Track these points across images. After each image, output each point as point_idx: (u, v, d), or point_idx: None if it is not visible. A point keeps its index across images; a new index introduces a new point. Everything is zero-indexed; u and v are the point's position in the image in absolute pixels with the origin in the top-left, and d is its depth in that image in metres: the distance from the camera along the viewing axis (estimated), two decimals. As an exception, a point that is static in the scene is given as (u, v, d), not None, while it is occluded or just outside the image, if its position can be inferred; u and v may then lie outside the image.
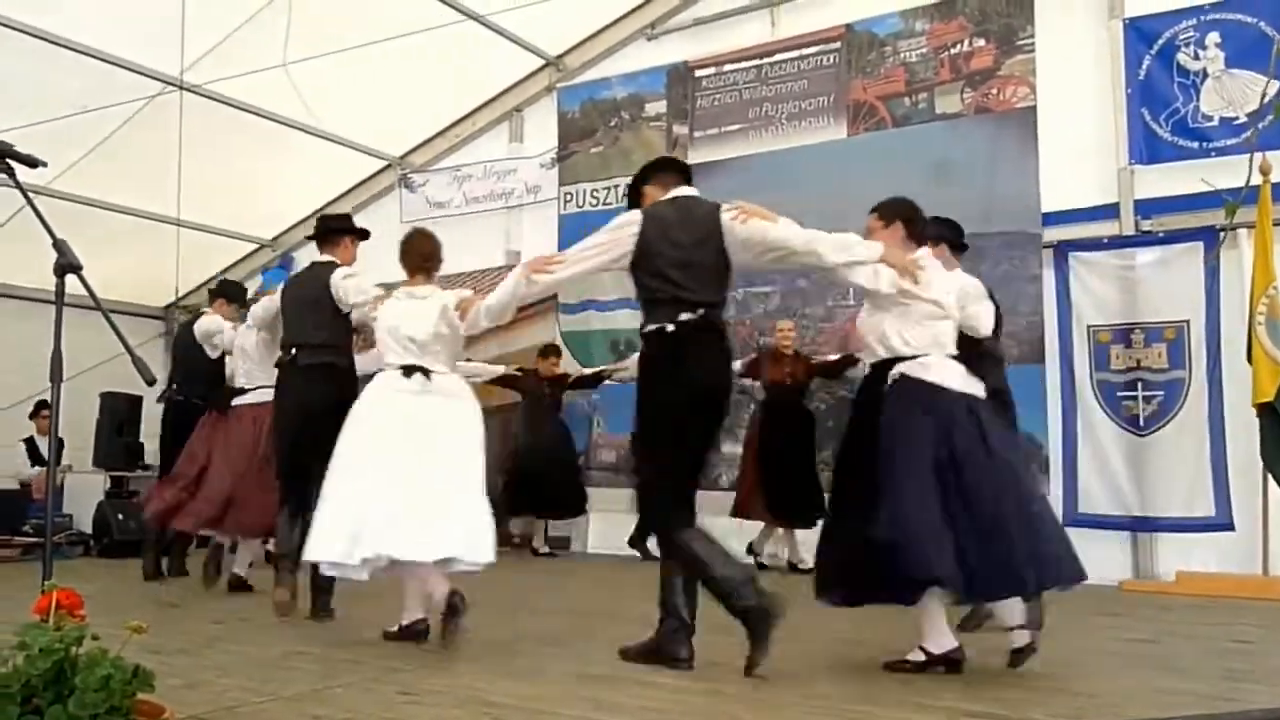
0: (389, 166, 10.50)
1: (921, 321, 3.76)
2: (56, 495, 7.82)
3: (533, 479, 8.22)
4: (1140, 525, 6.75)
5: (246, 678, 3.49)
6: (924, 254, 3.87)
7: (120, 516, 8.23)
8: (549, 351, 8.74)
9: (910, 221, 3.96)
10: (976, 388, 3.75)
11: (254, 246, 11.15)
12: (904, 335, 3.74)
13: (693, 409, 3.78)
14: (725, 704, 3.19)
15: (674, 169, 4.25)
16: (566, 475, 8.53)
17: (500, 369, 8.49)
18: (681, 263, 3.82)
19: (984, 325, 4.17)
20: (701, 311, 3.76)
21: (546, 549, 8.71)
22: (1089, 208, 7.11)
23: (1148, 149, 6.96)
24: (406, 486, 4.01)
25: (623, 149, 9.08)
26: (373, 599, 4.91)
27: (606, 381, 8.45)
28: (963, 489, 3.52)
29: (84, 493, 8.68)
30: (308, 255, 11.05)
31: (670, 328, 3.75)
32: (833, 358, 7.38)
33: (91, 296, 2.68)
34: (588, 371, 8.66)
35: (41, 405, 9.21)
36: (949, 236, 4.53)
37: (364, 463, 4.11)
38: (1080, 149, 7.14)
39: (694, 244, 3.84)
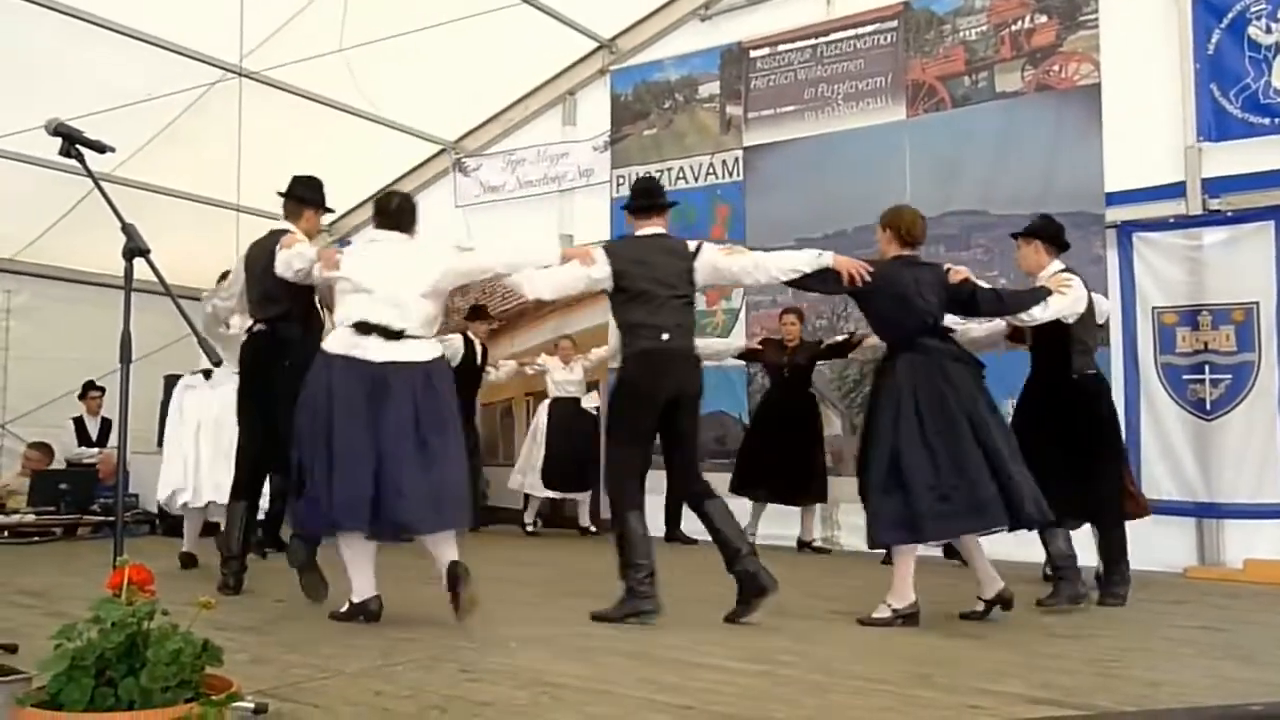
0: (443, 151, 10.55)
1: (343, 298, 4.38)
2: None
3: (764, 462, 7.35)
4: (1206, 511, 6.59)
5: (310, 654, 3.55)
6: (367, 236, 4.79)
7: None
8: (787, 311, 7.68)
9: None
10: (385, 351, 4.20)
11: (312, 231, 11.28)
12: (337, 313, 4.40)
13: (241, 395, 5.18)
14: (780, 687, 3.18)
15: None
16: (805, 458, 7.37)
17: (740, 343, 7.91)
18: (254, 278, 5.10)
19: (527, 290, 4.67)
20: (268, 317, 4.98)
21: (818, 542, 7.66)
22: (1154, 187, 6.92)
23: (1216, 126, 6.76)
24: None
25: (676, 131, 9.04)
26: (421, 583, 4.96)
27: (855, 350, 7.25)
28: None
29: (149, 474, 8.86)
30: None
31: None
32: (839, 339, 7.41)
33: (160, 280, 2.73)
34: (839, 338, 7.42)
35: (89, 386, 9.43)
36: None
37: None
38: (1146, 127, 6.95)
39: (265, 259, 4.91)
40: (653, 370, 4.47)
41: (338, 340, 4.28)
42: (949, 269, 4.65)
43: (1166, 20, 6.96)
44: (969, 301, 4.62)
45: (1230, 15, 6.76)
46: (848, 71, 8.17)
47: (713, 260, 4.62)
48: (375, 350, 4.20)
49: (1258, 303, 6.55)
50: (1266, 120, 6.64)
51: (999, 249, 7.02)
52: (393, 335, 4.23)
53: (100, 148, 2.99)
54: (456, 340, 8.36)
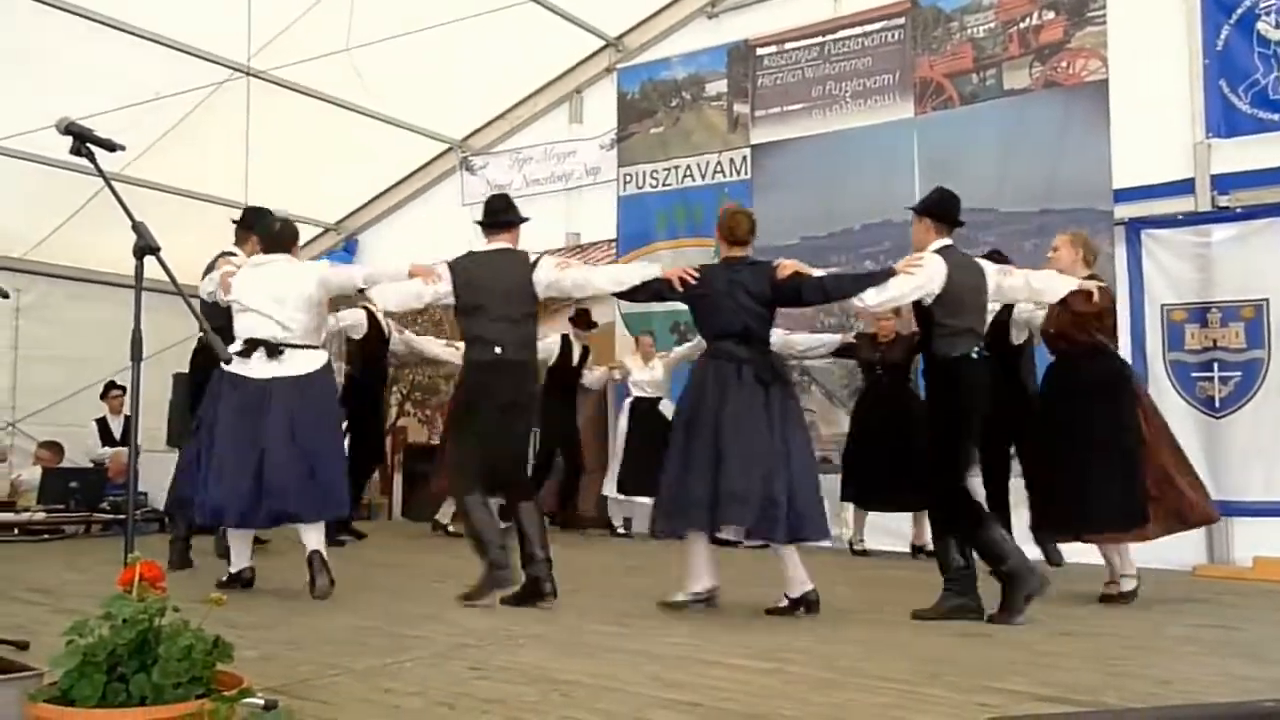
0: (450, 149, 10.57)
1: (237, 318, 4.98)
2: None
3: (874, 469, 6.86)
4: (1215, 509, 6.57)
5: (318, 652, 3.56)
6: (254, 260, 5.20)
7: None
8: None
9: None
10: (267, 369, 4.86)
11: (319, 230, 11.31)
12: (235, 330, 4.94)
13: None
14: (788, 684, 3.18)
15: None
16: (917, 460, 6.51)
17: (836, 339, 7.18)
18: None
19: (379, 302, 5.50)
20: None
21: (862, 545, 7.26)
22: (1163, 183, 6.91)
23: (1226, 122, 6.74)
24: None
25: (683, 130, 9.03)
26: (441, 578, 4.98)
27: None
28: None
29: (157, 471, 8.88)
30: (372, 239, 11.28)
31: None
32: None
33: (170, 278, 2.74)
34: None
35: (111, 386, 9.44)
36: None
37: None
38: (1154, 123, 6.93)
39: None
40: (486, 381, 4.82)
41: (238, 358, 4.89)
42: (777, 265, 4.62)
43: (1175, 16, 6.95)
44: (796, 295, 4.66)
45: (1239, 11, 6.74)
46: (855, 69, 8.16)
47: (547, 275, 4.88)
48: (258, 368, 4.86)
49: (1267, 299, 6.53)
50: (1276, 116, 6.63)
51: (1007, 246, 6.99)
52: (275, 350, 4.88)
53: (110, 146, 3.00)
54: (552, 341, 8.28)
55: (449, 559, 6.89)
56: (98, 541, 7.86)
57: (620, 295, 5.10)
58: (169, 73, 8.03)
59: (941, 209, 4.73)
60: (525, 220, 5.10)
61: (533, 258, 4.96)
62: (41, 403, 9.56)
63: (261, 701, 2.30)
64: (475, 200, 10.23)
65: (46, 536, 7.88)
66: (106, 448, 9.42)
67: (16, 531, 7.84)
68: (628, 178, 9.26)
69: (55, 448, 9.21)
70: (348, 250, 11.14)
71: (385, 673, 3.24)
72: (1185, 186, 6.85)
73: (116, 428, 9.51)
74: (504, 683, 3.11)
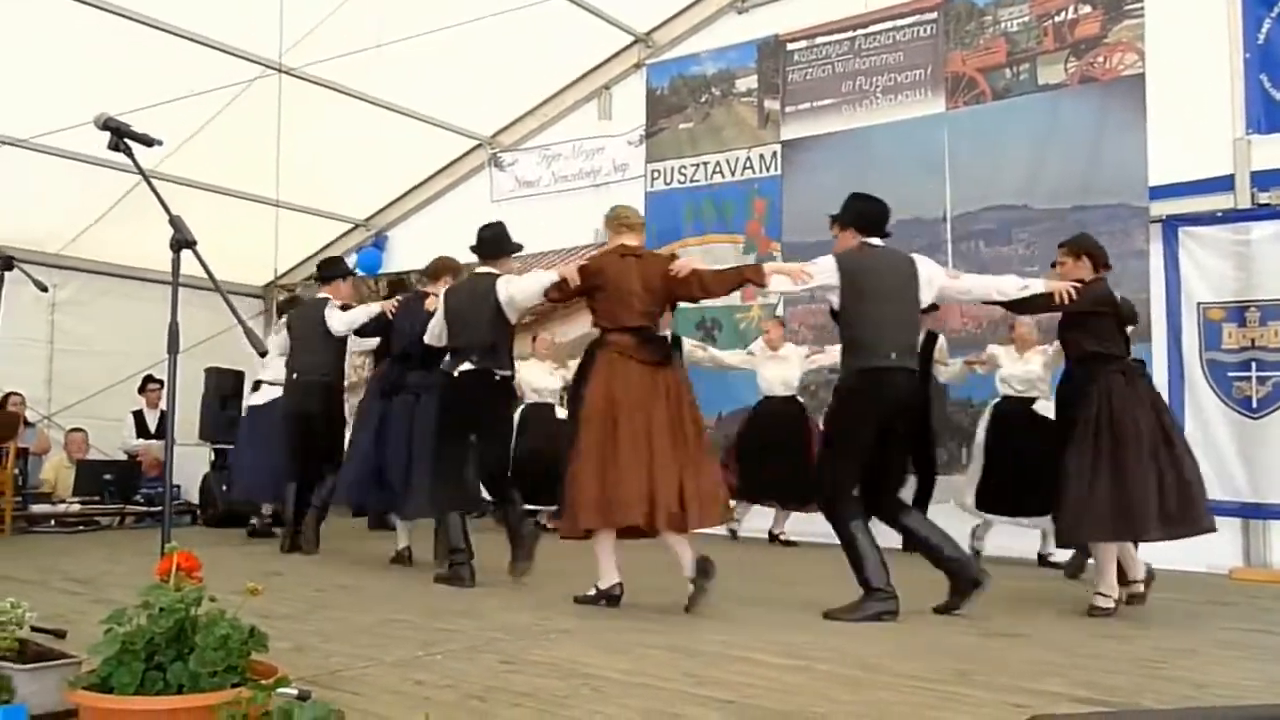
0: (479, 146, 10.59)
1: None
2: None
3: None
4: (1253, 512, 6.48)
5: (349, 643, 3.58)
6: None
7: (224, 488, 8.49)
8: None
9: None
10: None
11: (349, 226, 11.38)
12: None
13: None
14: (819, 682, 3.16)
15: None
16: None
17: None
18: None
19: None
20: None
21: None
22: (1201, 180, 6.79)
23: (1267, 117, 6.63)
24: None
25: (713, 125, 8.99)
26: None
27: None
28: None
29: (190, 464, 8.98)
30: (401, 235, 11.31)
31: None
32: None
33: (206, 272, 2.76)
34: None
35: (149, 380, 9.54)
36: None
37: None
38: (1192, 118, 6.82)
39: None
40: (286, 396, 6.88)
41: None
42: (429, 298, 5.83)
43: (1215, 9, 6.83)
44: None
45: (1281, 4, 6.63)
46: (886, 64, 8.09)
47: (329, 316, 6.60)
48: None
49: (1308, 298, 6.43)
50: (1318, 111, 6.51)
51: (1041, 244, 6.94)
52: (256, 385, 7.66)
53: (148, 141, 3.01)
54: None
55: (483, 556, 6.91)
56: (131, 533, 7.96)
57: (358, 333, 6.60)
58: (202, 70, 8.09)
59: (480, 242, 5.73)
60: (350, 274, 7.23)
61: (328, 304, 6.64)
62: (76, 397, 9.68)
63: (295, 692, 2.31)
64: (504, 197, 10.32)
65: (81, 528, 7.98)
66: (140, 440, 9.53)
67: (53, 523, 7.95)
68: (656, 174, 9.24)
69: (83, 433, 9.32)
70: (377, 245, 11.20)
71: (417, 665, 3.25)
72: (1224, 183, 6.74)
73: (152, 421, 9.61)
74: (535, 676, 3.12)
